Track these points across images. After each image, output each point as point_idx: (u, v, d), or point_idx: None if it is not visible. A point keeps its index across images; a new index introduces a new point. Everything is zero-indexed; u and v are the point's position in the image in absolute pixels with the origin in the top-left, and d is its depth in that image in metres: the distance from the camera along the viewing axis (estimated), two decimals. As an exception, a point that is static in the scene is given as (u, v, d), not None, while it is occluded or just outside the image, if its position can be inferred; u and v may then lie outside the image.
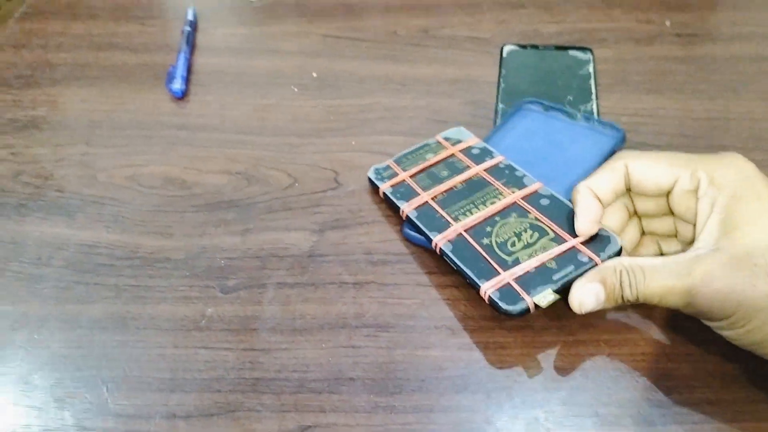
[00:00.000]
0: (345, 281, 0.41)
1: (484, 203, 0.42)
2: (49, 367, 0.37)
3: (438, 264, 0.42)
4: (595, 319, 0.38)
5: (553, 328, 0.38)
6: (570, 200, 0.40)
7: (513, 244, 0.39)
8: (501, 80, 0.55)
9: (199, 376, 0.37)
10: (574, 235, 0.38)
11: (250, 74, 0.58)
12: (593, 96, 0.53)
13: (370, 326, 0.39)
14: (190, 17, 0.64)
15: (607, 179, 0.38)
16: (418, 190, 0.44)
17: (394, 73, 0.58)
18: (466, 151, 0.46)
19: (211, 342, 0.38)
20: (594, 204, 0.37)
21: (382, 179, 0.45)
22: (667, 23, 0.61)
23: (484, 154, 0.46)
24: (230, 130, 0.53)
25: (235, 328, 0.39)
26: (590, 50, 0.57)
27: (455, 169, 0.45)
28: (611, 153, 0.45)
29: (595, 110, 0.51)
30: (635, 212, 0.40)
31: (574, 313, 0.37)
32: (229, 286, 0.41)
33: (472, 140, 0.47)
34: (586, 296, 0.35)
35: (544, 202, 0.41)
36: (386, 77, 0.57)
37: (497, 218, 0.41)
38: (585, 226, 0.38)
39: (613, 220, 0.39)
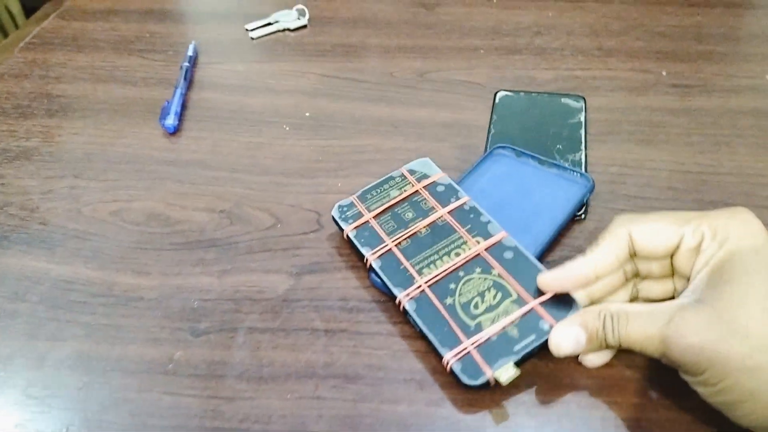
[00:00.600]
0: (317, 328, 0.41)
1: (448, 254, 0.41)
2: (12, 407, 0.37)
3: (413, 314, 0.41)
4: (570, 372, 0.38)
5: (523, 384, 0.37)
6: (534, 256, 0.41)
7: (476, 306, 0.38)
8: (492, 126, 0.55)
9: (159, 423, 0.36)
10: (535, 295, 0.38)
11: (244, 111, 0.59)
12: (582, 146, 0.52)
13: (338, 377, 0.38)
14: (190, 53, 0.65)
15: (611, 250, 0.37)
16: (383, 235, 0.43)
17: (388, 115, 0.58)
18: (431, 188, 0.46)
19: (175, 387, 0.38)
20: (571, 279, 0.37)
21: (346, 220, 0.44)
22: (663, 73, 0.61)
23: (449, 193, 0.45)
24: (219, 168, 0.53)
25: (202, 374, 0.38)
26: (583, 98, 0.57)
27: (420, 210, 0.44)
28: (580, 202, 0.46)
29: (583, 160, 0.51)
30: (635, 275, 0.39)
31: (547, 369, 0.36)
32: (200, 329, 0.41)
33: (437, 175, 0.47)
34: (564, 339, 0.35)
35: (508, 255, 0.41)
36: (379, 119, 0.57)
37: (461, 273, 0.40)
38: (546, 283, 0.38)
39: (607, 284, 0.38)
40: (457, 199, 0.45)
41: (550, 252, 0.45)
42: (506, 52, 0.65)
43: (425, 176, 0.47)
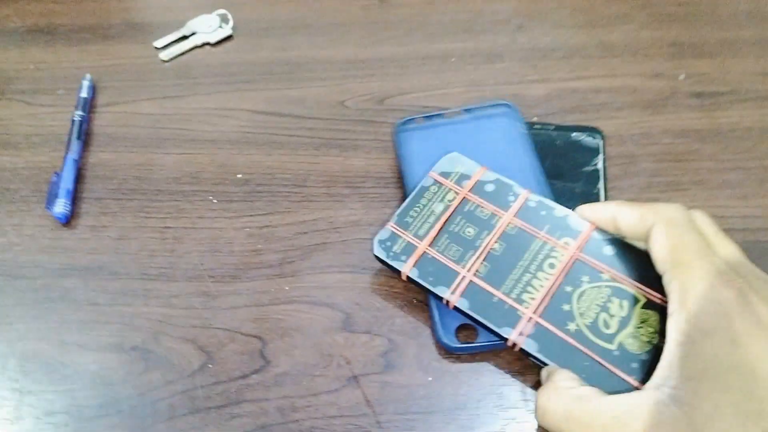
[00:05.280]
0: None
1: (540, 268, 0.33)
2: None
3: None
4: None
5: None
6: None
7: (606, 324, 0.31)
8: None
9: None
10: (659, 290, 0.31)
11: (156, 178, 0.46)
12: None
13: None
14: (83, 93, 0.50)
15: (631, 224, 0.33)
16: (451, 264, 0.34)
17: (341, 169, 0.45)
18: (479, 190, 0.37)
19: None
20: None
21: (398, 258, 0.35)
22: (681, 77, 0.49)
23: (504, 191, 0.37)
24: (127, 274, 0.41)
25: None
26: (600, 134, 0.44)
27: (480, 222, 0.36)
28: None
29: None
30: None
31: None
32: None
33: (478, 170, 0.38)
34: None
35: (608, 250, 0.33)
36: (331, 176, 0.45)
37: (568, 288, 0.33)
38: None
39: None
40: (516, 195, 0.36)
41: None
42: (484, 59, 0.52)
43: (465, 177, 0.37)
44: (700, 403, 0.27)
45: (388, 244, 0.35)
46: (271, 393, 0.35)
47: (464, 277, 0.34)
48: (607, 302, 0.32)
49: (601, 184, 0.42)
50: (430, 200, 0.37)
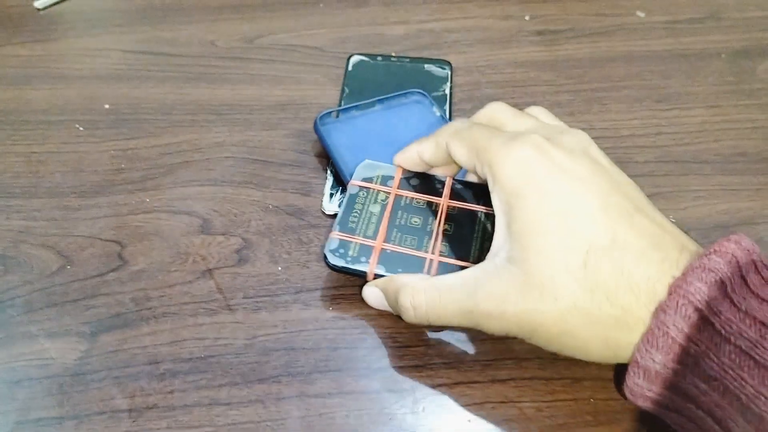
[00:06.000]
0: (118, 408, 0.32)
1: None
2: None
3: (245, 371, 0.33)
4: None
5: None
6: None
7: None
8: (343, 101, 0.46)
9: None
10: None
11: (24, 110, 0.47)
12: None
13: (145, 477, 0.30)
14: (-49, 36, 0.51)
15: (432, 152, 0.36)
16: (415, 252, 0.34)
17: (209, 98, 0.48)
18: (406, 186, 0.37)
19: None
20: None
21: (358, 261, 0.34)
22: (527, 18, 0.54)
23: (429, 181, 0.38)
24: (-10, 193, 0.41)
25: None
26: (449, 65, 0.48)
27: (421, 211, 0.36)
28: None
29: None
30: None
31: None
32: (-44, 437, 0.31)
33: (396, 170, 0.38)
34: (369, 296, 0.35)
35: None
36: (198, 104, 0.47)
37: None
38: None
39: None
40: (442, 182, 0.37)
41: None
42: (350, 5, 0.55)
43: (388, 177, 0.38)
44: (529, 255, 0.29)
45: (342, 251, 0.34)
46: (127, 287, 0.37)
47: (431, 260, 0.34)
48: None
49: (446, 107, 0.46)
50: (364, 204, 0.36)
